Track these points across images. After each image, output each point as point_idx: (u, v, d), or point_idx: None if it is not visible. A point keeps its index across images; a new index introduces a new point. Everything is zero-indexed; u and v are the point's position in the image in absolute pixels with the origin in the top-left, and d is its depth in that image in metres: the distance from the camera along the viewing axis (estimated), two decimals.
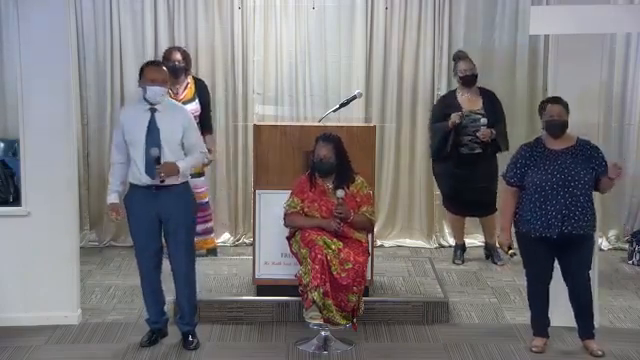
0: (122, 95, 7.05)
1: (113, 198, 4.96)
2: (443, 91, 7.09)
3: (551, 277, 4.95)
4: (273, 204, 5.32)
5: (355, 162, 5.18)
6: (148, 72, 4.84)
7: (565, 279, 4.94)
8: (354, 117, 6.90)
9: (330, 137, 5.09)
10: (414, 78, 7.17)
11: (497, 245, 6.87)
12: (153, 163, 4.75)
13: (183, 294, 5.04)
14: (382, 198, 7.22)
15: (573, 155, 4.80)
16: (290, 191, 5.15)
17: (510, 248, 4.96)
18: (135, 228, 4.97)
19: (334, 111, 5.89)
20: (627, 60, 7.16)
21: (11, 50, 6.28)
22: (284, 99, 7.16)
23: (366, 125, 6.19)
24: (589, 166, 4.78)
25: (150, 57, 6.93)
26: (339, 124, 5.83)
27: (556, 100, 4.88)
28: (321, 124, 5.58)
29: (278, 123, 6.67)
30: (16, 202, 5.46)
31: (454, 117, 6.34)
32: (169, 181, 4.81)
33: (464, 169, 6.46)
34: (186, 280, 5.03)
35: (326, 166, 5.06)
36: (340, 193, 4.99)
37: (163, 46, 6.97)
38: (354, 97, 5.90)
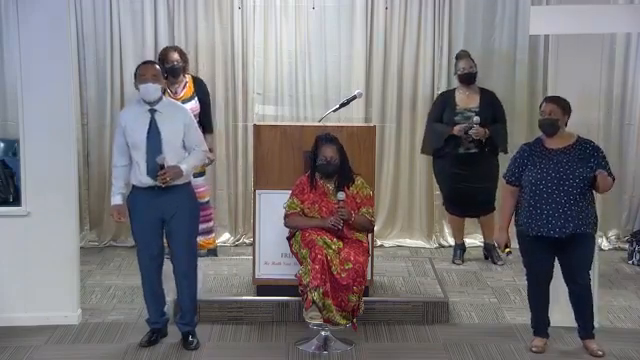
0: (122, 95, 7.05)
1: (117, 200, 4.95)
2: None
3: (551, 277, 4.95)
4: (273, 204, 5.31)
5: (355, 162, 5.19)
6: (138, 70, 4.87)
7: (565, 279, 4.93)
8: (354, 117, 6.91)
9: (333, 137, 5.07)
10: (414, 78, 7.17)
11: (495, 244, 6.94)
12: (158, 169, 4.76)
13: (185, 293, 5.04)
14: (382, 198, 7.22)
15: (569, 154, 4.77)
16: (290, 191, 5.15)
17: (507, 246, 4.95)
18: (138, 229, 4.97)
19: (334, 111, 5.89)
20: (627, 60, 7.15)
21: (11, 50, 6.29)
22: (284, 99, 7.16)
23: (366, 125, 6.19)
24: (586, 165, 4.75)
25: (150, 57, 6.95)
26: (339, 124, 5.84)
27: (551, 99, 4.85)
28: (321, 124, 5.58)
29: (278, 123, 6.67)
30: (16, 202, 5.45)
31: (460, 130, 6.34)
32: (171, 182, 4.82)
33: (463, 169, 6.47)
34: (188, 279, 5.03)
35: (332, 167, 5.04)
36: (341, 195, 4.98)
37: (163, 46, 6.95)
38: (354, 97, 5.90)
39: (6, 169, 5.78)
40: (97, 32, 6.99)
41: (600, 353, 4.93)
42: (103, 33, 6.99)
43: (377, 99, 7.17)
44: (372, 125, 5.74)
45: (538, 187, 4.75)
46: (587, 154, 4.78)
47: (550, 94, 5.24)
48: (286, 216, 5.11)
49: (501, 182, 5.11)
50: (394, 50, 7.12)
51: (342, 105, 5.86)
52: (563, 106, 4.81)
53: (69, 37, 5.25)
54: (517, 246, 5.01)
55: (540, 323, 5.03)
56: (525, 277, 5.04)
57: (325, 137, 5.08)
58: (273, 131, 5.49)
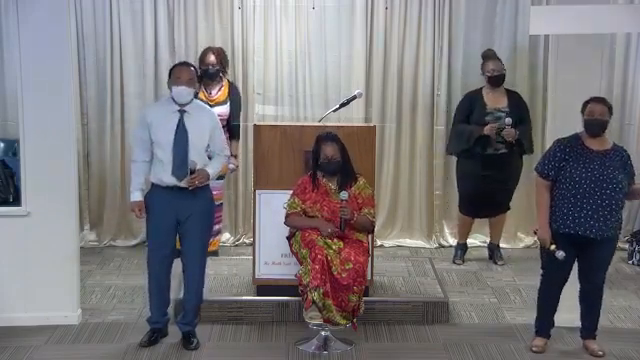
0: (122, 95, 7.05)
1: (137, 196, 4.94)
2: (443, 91, 7.10)
3: (566, 280, 4.91)
4: (273, 204, 5.32)
5: (355, 162, 5.18)
6: (174, 71, 4.88)
7: (580, 278, 4.91)
8: (354, 117, 6.91)
9: (334, 136, 5.07)
10: (414, 78, 7.16)
11: (501, 245, 6.93)
12: (188, 173, 4.78)
13: (192, 293, 5.04)
14: (382, 198, 7.21)
15: (611, 158, 4.78)
16: (291, 191, 5.15)
17: (552, 243, 4.76)
18: (153, 227, 4.97)
19: (334, 111, 5.89)
20: (627, 60, 7.15)
21: (11, 50, 6.29)
22: (284, 99, 7.15)
23: (366, 125, 6.19)
24: (624, 171, 4.78)
25: (150, 57, 6.99)
26: (339, 124, 5.83)
27: (599, 100, 4.82)
28: (321, 124, 5.58)
29: (278, 123, 6.67)
30: (16, 202, 5.45)
31: (492, 129, 6.31)
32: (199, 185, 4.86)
33: (490, 170, 6.42)
34: (198, 280, 5.05)
35: (333, 166, 5.04)
36: (344, 195, 4.97)
37: (163, 46, 6.99)
38: (354, 97, 5.90)
39: (6, 169, 5.77)
40: (97, 32, 6.99)
41: (600, 353, 4.93)
42: (103, 33, 6.98)
43: (377, 99, 7.17)
44: (372, 125, 5.74)
45: (582, 185, 4.72)
46: (623, 161, 4.81)
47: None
48: (287, 216, 5.11)
49: (530, 179, 4.97)
50: (394, 50, 7.12)
51: (342, 105, 5.86)
52: (610, 108, 4.83)
53: (69, 37, 5.25)
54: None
55: (545, 324, 5.03)
56: (540, 277, 5.00)
57: (326, 136, 5.08)
58: (273, 131, 5.49)
